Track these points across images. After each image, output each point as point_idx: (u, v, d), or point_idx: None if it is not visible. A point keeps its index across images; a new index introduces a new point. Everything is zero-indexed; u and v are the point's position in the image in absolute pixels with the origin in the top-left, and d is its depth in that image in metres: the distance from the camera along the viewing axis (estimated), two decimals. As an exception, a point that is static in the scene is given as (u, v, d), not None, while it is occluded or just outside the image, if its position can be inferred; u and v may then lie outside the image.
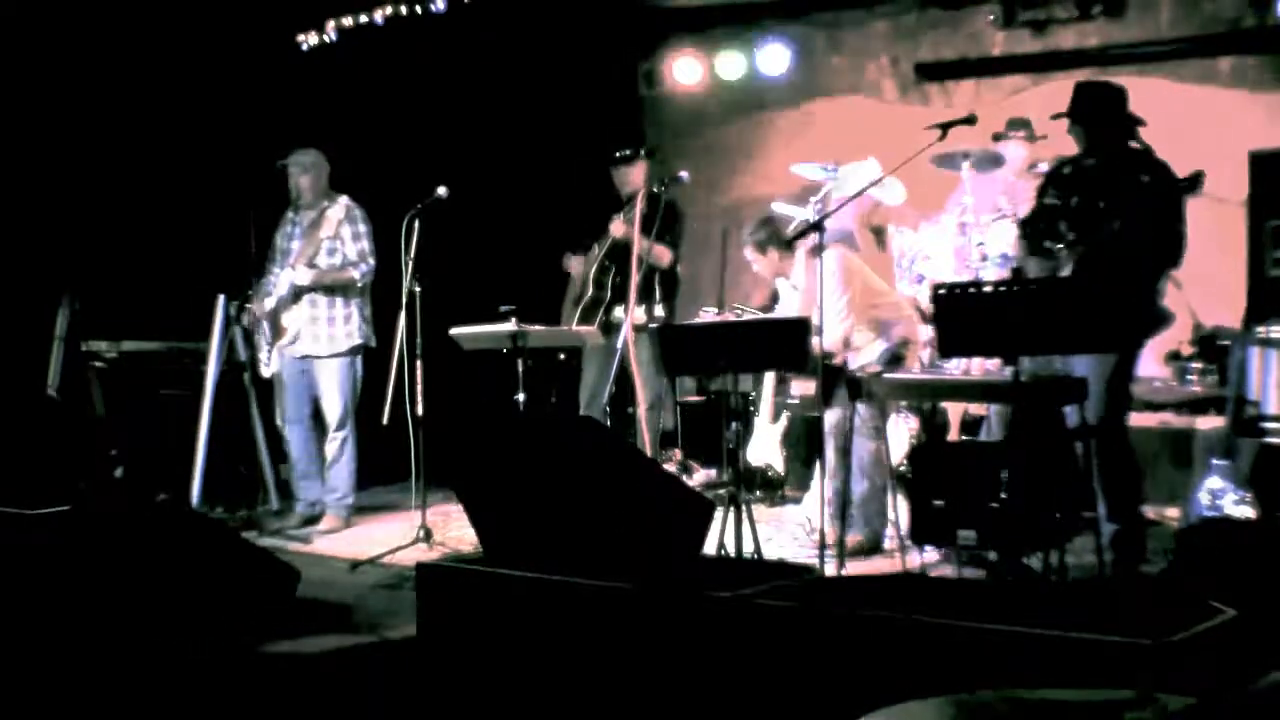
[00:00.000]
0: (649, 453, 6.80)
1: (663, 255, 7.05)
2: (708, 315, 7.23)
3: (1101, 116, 5.44)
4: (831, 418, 5.98)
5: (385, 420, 6.83)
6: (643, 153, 7.37)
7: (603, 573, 4.25)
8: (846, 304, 5.98)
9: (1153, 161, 5.43)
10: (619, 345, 6.69)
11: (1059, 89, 7.79)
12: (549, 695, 4.19)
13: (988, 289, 4.97)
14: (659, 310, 7.06)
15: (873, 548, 6.03)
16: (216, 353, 7.14)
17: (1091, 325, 4.73)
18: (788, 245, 6.22)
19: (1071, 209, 5.43)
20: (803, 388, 6.91)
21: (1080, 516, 5.56)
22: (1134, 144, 5.48)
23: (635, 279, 6.76)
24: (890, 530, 5.98)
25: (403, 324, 6.57)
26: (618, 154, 7.29)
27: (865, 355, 6.05)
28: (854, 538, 6.04)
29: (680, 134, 9.57)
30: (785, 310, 6.47)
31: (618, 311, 7.05)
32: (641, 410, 6.95)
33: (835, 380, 5.84)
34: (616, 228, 7.10)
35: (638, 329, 6.88)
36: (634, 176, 7.28)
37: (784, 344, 5.55)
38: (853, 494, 6.05)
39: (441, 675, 4.55)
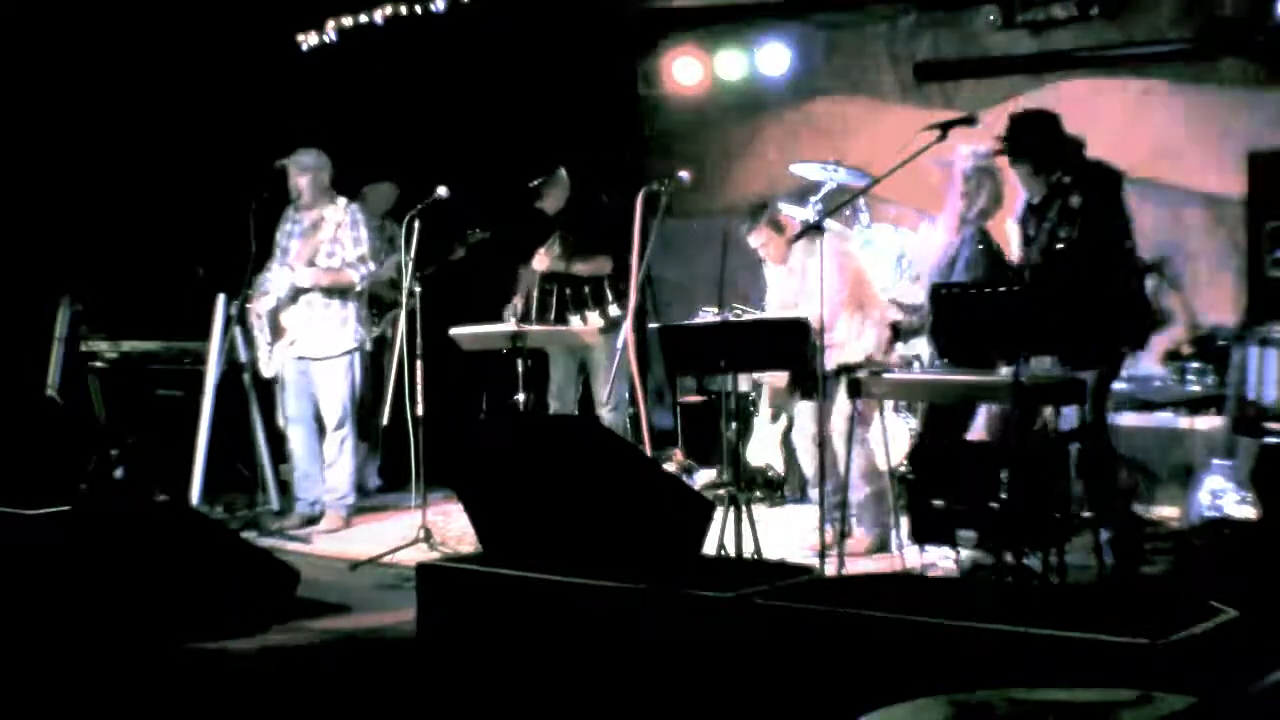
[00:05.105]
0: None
1: (601, 266, 7.04)
2: (707, 315, 7.23)
3: (1041, 144, 5.42)
4: (805, 412, 6.03)
5: (385, 420, 6.84)
6: (556, 170, 7.22)
7: (602, 573, 4.25)
8: (839, 292, 5.99)
9: (1085, 181, 5.38)
10: (618, 345, 6.69)
11: (1058, 90, 7.81)
12: (549, 695, 4.20)
13: (988, 290, 4.97)
14: (613, 310, 6.99)
15: (880, 547, 6.05)
16: (216, 353, 7.13)
17: (1085, 334, 4.76)
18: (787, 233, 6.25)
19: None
20: (772, 378, 6.90)
21: (1080, 516, 5.57)
22: (1072, 164, 5.43)
23: (635, 277, 6.75)
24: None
25: (403, 324, 6.58)
26: (531, 185, 7.17)
27: (851, 352, 6.04)
28: (863, 539, 6.08)
29: (680, 134, 9.56)
30: (775, 297, 6.47)
31: (613, 309, 7.03)
32: (602, 411, 6.94)
33: (813, 377, 5.83)
34: (540, 261, 7.10)
35: (606, 330, 6.88)
36: (559, 193, 7.22)
37: (784, 344, 5.56)
38: (856, 497, 6.08)
39: (441, 675, 4.55)
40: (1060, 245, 5.26)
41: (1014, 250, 5.72)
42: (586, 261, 7.06)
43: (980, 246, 5.82)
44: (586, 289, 7.07)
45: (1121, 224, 5.36)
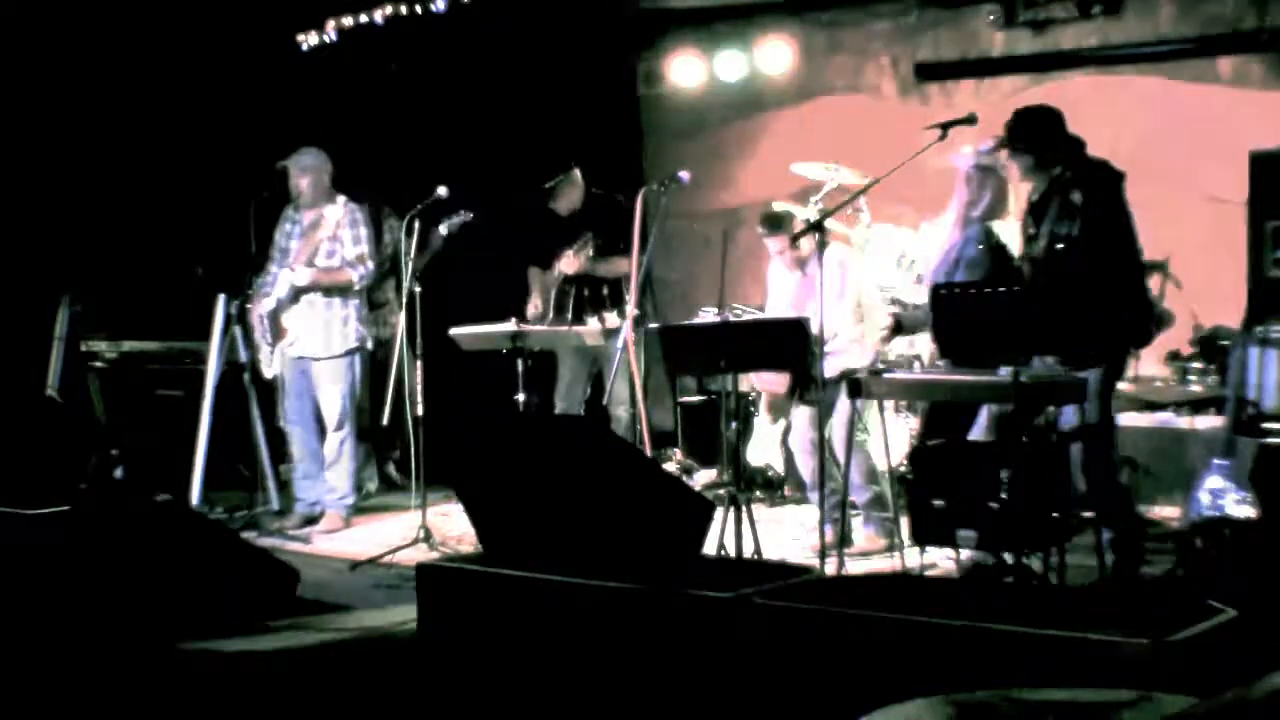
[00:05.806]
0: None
1: (621, 267, 7.06)
2: (707, 315, 7.23)
3: (1044, 139, 5.43)
4: (803, 417, 6.03)
5: (385, 420, 6.84)
6: (570, 170, 7.23)
7: (602, 573, 4.25)
8: (843, 303, 5.99)
9: (1086, 178, 5.39)
10: (619, 346, 6.69)
11: (1059, 89, 7.81)
12: (549, 695, 4.19)
13: (988, 290, 4.97)
14: (631, 311, 7.02)
15: (887, 548, 6.06)
16: (216, 353, 7.14)
17: (1085, 333, 4.77)
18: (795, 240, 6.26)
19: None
20: (769, 386, 6.89)
21: (1080, 516, 5.56)
22: (1074, 161, 5.43)
23: (635, 279, 6.75)
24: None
25: (403, 324, 6.58)
26: (547, 185, 7.18)
27: (851, 359, 6.04)
28: (875, 540, 6.11)
29: (680, 134, 9.56)
30: (779, 298, 6.47)
31: (614, 315, 7.04)
32: (618, 410, 6.96)
33: (811, 380, 5.83)
34: (568, 264, 7.09)
35: (612, 332, 6.89)
36: (572, 193, 7.24)
37: (784, 344, 5.55)
38: (860, 499, 6.12)
39: (441, 675, 4.55)
40: (1061, 245, 5.27)
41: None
42: (608, 263, 7.06)
43: (983, 246, 5.81)
44: (605, 290, 7.08)
45: (1123, 221, 5.38)
